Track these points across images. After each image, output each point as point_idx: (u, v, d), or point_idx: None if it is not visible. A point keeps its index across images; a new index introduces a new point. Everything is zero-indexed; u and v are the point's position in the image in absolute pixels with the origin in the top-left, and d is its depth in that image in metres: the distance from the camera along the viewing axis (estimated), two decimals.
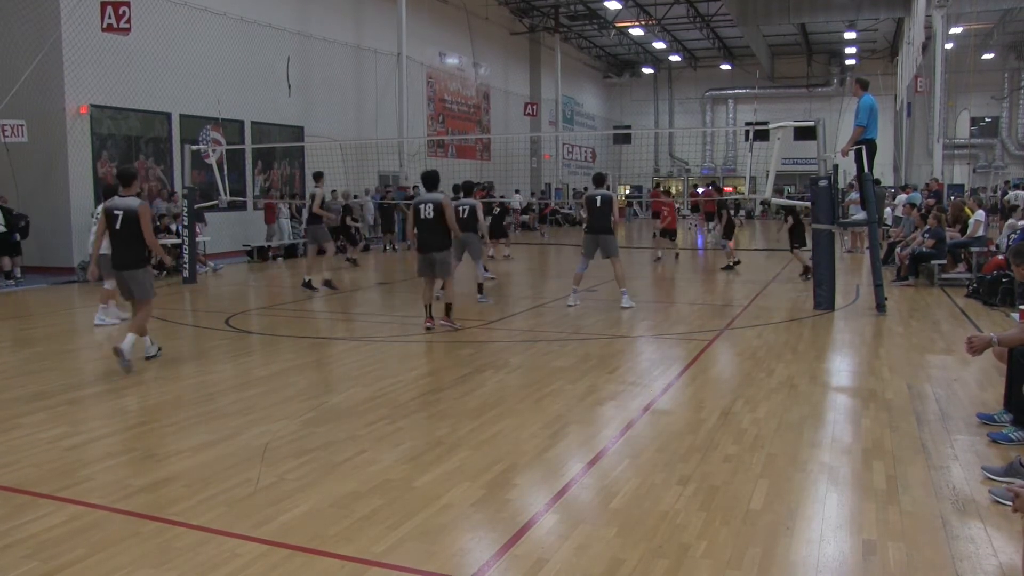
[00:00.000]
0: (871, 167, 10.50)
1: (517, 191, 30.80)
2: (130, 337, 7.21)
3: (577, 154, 40.68)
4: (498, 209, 19.08)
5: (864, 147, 10.38)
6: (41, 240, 15.05)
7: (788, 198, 23.04)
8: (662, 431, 5.45)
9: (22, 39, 15.14)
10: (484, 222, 13.56)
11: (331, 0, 22.43)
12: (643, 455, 4.91)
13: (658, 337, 9.09)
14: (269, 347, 8.78)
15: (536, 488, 4.43)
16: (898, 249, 14.59)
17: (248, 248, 18.84)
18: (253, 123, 19.54)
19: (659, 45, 39.39)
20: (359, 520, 3.95)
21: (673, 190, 39.63)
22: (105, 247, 8.01)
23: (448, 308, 9.32)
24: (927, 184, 23.24)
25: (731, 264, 15.76)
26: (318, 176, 13.91)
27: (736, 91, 44.50)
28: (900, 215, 17.86)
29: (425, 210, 9.16)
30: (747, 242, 24.01)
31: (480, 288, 11.73)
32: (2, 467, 4.75)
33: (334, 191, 18.76)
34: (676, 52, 41.39)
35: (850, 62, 41.66)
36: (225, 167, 16.29)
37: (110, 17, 14.15)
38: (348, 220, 19.22)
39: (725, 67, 42.80)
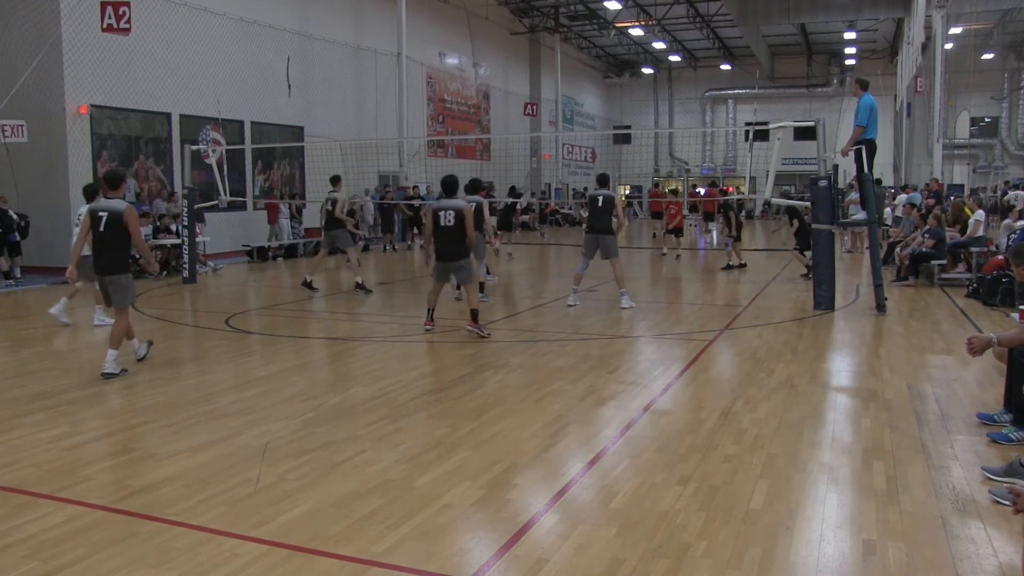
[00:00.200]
0: (871, 167, 10.50)
1: (523, 191, 30.73)
2: (111, 354, 7.06)
3: (577, 154, 40.65)
4: (510, 201, 18.98)
5: (864, 147, 10.39)
6: (41, 240, 15.04)
7: (788, 198, 23.01)
8: (662, 431, 5.46)
9: (22, 39, 15.14)
10: (490, 220, 13.50)
11: (331, 0, 22.43)
12: (643, 455, 4.91)
13: (658, 337, 9.09)
14: (269, 347, 8.78)
15: (536, 488, 4.43)
16: (898, 249, 14.59)
17: (248, 248, 18.85)
18: (253, 123, 19.54)
19: (659, 45, 39.38)
20: (359, 520, 3.95)
21: (678, 190, 39.51)
22: (86, 249, 7.76)
23: (474, 314, 8.84)
24: (927, 184, 23.25)
25: (732, 264, 15.76)
26: (335, 180, 13.15)
27: (736, 91, 44.48)
28: (900, 215, 17.86)
29: (446, 217, 8.79)
30: (747, 242, 23.95)
31: (481, 287, 11.72)
32: (2, 467, 4.75)
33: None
34: (676, 52, 41.36)
35: (850, 62, 41.65)
36: (225, 167, 16.28)
37: (110, 17, 14.14)
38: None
39: (725, 67, 42.78)
